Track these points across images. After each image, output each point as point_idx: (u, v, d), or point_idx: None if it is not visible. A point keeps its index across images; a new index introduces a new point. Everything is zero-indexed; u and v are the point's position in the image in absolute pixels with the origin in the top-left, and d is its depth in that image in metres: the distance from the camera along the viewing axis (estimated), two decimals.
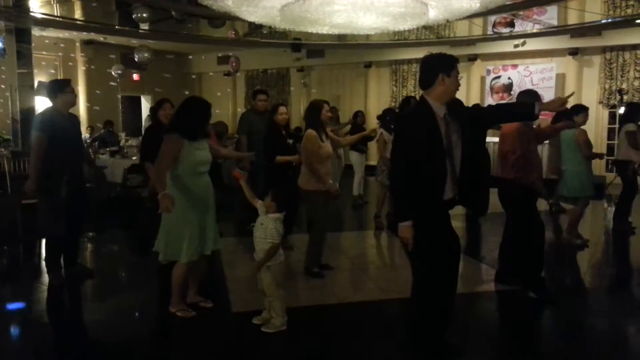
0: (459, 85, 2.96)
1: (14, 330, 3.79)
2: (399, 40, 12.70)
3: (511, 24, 11.49)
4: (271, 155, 5.18)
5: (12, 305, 4.24)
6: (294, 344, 3.41)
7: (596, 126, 10.85)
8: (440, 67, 2.87)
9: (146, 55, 11.44)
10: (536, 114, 2.97)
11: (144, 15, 10.23)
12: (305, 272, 4.69)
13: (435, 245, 2.89)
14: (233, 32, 12.35)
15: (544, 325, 3.97)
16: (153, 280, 4.65)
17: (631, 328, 3.82)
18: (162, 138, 3.62)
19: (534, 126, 4.63)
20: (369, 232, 6.79)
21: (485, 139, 3.34)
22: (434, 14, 8.07)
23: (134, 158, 8.14)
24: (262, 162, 5.66)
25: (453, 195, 2.94)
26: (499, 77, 12.24)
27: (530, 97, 4.07)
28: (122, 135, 11.36)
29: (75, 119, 4.69)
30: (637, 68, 10.77)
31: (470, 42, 12.13)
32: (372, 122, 8.92)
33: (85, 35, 12.48)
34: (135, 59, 11.62)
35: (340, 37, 11.95)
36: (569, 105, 7.55)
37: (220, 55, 14.74)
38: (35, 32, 10.38)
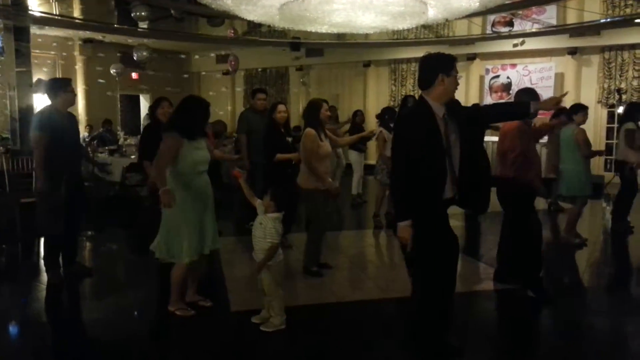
0: (458, 84, 2.97)
1: (12, 329, 3.79)
2: (398, 39, 12.70)
3: (510, 24, 11.49)
4: (271, 154, 5.18)
5: (11, 304, 4.24)
6: (292, 343, 3.41)
7: (595, 125, 10.87)
8: (439, 67, 2.87)
9: (145, 54, 11.42)
10: (532, 112, 3.00)
11: (143, 13, 10.22)
12: (304, 271, 4.69)
13: (435, 244, 2.89)
14: (232, 31, 12.33)
15: (542, 324, 3.98)
16: (152, 279, 4.65)
17: (630, 327, 3.83)
18: (160, 137, 3.62)
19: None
20: (368, 231, 6.79)
21: (483, 138, 3.35)
22: (433, 13, 8.08)
23: (132, 157, 8.13)
24: (261, 161, 5.67)
25: (453, 194, 2.94)
26: (497, 76, 12.24)
27: (528, 95, 4.07)
28: (121, 134, 11.36)
29: (73, 118, 4.69)
30: (636, 67, 10.78)
31: (469, 41, 12.14)
32: (372, 121, 8.92)
33: (84, 34, 12.45)
34: (134, 58, 11.60)
35: (339, 36, 11.95)
36: (567, 105, 7.62)
37: (219, 54, 14.73)
38: (34, 30, 10.35)
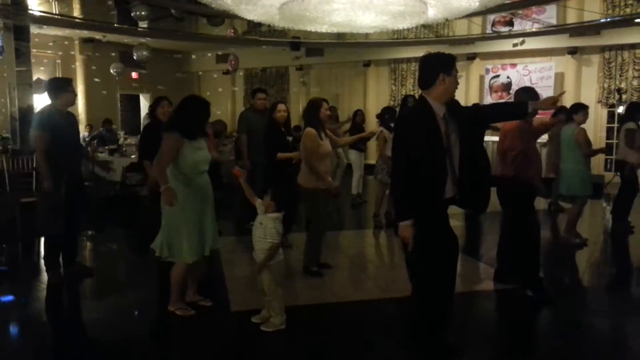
0: (458, 84, 2.97)
1: (12, 328, 3.79)
2: (398, 39, 12.69)
3: (510, 23, 11.49)
4: (271, 153, 5.18)
5: (11, 304, 4.24)
6: (292, 343, 3.41)
7: (595, 125, 10.86)
8: (440, 66, 2.87)
9: (145, 53, 11.42)
10: (530, 112, 3.01)
11: (143, 13, 10.21)
12: (304, 271, 4.69)
13: (435, 244, 2.89)
14: (232, 31, 12.33)
15: (542, 324, 3.98)
16: (152, 278, 4.65)
17: (630, 328, 3.83)
18: (160, 136, 3.62)
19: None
20: (368, 231, 6.79)
21: (483, 138, 3.36)
22: (433, 13, 8.08)
23: (132, 156, 8.13)
24: (261, 160, 5.67)
25: (453, 194, 2.94)
26: (497, 76, 12.24)
27: (528, 94, 4.09)
28: (121, 133, 11.35)
29: (73, 118, 4.70)
30: (636, 67, 10.78)
31: (469, 41, 12.13)
32: (372, 121, 8.92)
33: (84, 33, 12.44)
34: (134, 57, 11.60)
35: (339, 35, 11.95)
36: (567, 104, 7.61)
37: (219, 53, 14.72)
38: (34, 29, 10.35)
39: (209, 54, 15.17)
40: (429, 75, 2.89)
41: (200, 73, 16.37)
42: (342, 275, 4.80)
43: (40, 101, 9.57)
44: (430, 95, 2.89)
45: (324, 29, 8.83)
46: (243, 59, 13.22)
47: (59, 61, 12.74)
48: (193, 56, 15.96)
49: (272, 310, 3.50)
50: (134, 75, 14.31)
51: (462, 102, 11.92)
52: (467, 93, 12.28)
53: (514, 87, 11.60)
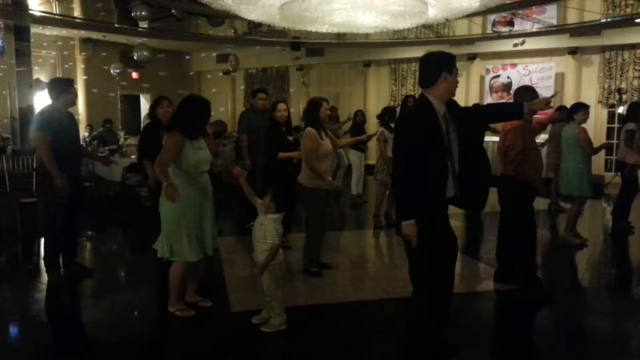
0: (458, 82, 2.98)
1: (12, 329, 3.79)
2: (399, 39, 12.69)
3: (510, 23, 11.49)
4: (272, 153, 5.18)
5: (11, 304, 4.24)
6: (293, 343, 3.41)
7: (595, 125, 10.86)
8: (443, 64, 2.87)
9: (145, 53, 11.41)
10: (525, 112, 3.03)
11: (143, 13, 10.21)
12: (304, 271, 4.69)
13: (437, 243, 2.89)
14: (232, 31, 12.33)
15: (542, 324, 3.98)
16: (152, 279, 4.64)
17: (630, 328, 3.82)
18: (160, 136, 3.63)
19: None
20: (368, 232, 6.79)
21: (483, 138, 3.35)
22: (433, 13, 8.07)
23: (132, 157, 8.12)
24: (262, 160, 5.67)
25: (454, 194, 2.94)
26: (498, 76, 12.24)
27: (527, 93, 4.10)
28: (121, 133, 11.35)
29: (73, 118, 4.70)
30: (636, 67, 10.77)
31: (470, 41, 12.13)
32: (372, 121, 8.92)
33: (84, 33, 12.45)
34: (134, 57, 11.60)
35: (340, 35, 11.94)
36: (568, 104, 7.60)
37: (219, 53, 14.72)
38: (34, 29, 10.35)
39: (210, 54, 15.17)
40: (431, 74, 2.89)
41: (201, 73, 16.37)
42: (342, 276, 4.80)
43: (41, 101, 9.58)
44: (431, 94, 2.89)
45: (324, 29, 8.83)
46: (243, 59, 13.22)
47: (59, 61, 12.74)
48: (193, 56, 15.96)
49: (272, 310, 3.49)
50: (134, 75, 14.31)
51: (463, 103, 11.93)
52: (468, 93, 12.28)
53: (514, 88, 11.60)
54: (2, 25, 9.33)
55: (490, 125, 6.25)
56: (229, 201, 7.05)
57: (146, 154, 4.83)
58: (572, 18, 11.03)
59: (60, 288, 4.48)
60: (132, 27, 11.51)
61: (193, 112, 3.68)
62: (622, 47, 10.82)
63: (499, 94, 12.19)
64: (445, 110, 2.90)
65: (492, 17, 11.69)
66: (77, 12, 11.82)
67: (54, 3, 10.96)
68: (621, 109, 10.92)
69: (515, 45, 11.51)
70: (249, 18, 8.82)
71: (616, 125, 11.09)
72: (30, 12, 9.61)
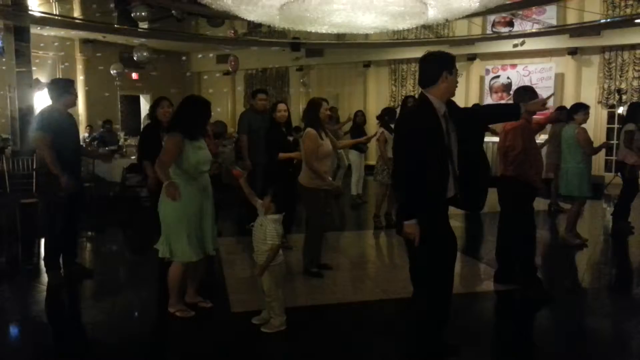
0: (457, 82, 2.98)
1: (12, 329, 3.78)
2: (398, 39, 12.69)
3: (510, 24, 11.48)
4: (272, 153, 5.19)
5: (11, 305, 4.24)
6: (293, 344, 3.41)
7: (595, 126, 10.86)
8: (443, 64, 2.88)
9: (145, 54, 11.42)
10: (522, 113, 3.07)
11: (143, 14, 10.21)
12: (304, 272, 4.69)
13: (439, 243, 2.90)
14: (232, 31, 12.33)
15: (542, 325, 3.98)
16: (152, 279, 4.64)
17: (631, 328, 3.82)
18: (160, 136, 3.63)
19: None
20: (368, 232, 6.79)
21: (483, 138, 3.36)
22: (433, 13, 8.07)
23: (132, 157, 8.12)
24: (262, 161, 5.68)
25: (454, 194, 2.94)
26: (498, 76, 12.24)
27: (526, 93, 4.11)
28: (121, 134, 11.35)
29: (72, 119, 4.70)
30: (636, 68, 10.77)
31: (470, 41, 12.13)
32: (372, 122, 8.92)
33: (84, 34, 12.45)
34: (134, 58, 11.60)
35: (340, 36, 11.94)
36: (568, 104, 7.59)
37: (219, 54, 14.72)
38: (34, 30, 10.35)
39: (209, 55, 15.17)
40: (431, 73, 2.89)
41: (201, 73, 16.37)
42: (343, 276, 4.80)
43: (41, 102, 9.58)
44: (432, 93, 2.89)
45: (324, 29, 8.83)
46: (243, 60, 13.22)
47: (59, 62, 12.74)
48: (193, 57, 15.97)
49: (272, 311, 3.49)
50: (134, 76, 14.32)
51: (462, 103, 11.91)
52: (467, 94, 12.28)
53: (514, 88, 11.60)
54: (2, 26, 9.33)
55: (490, 126, 6.27)
56: (229, 201, 7.04)
57: (146, 155, 4.83)
58: (571, 18, 11.04)
59: (60, 288, 4.48)
60: (132, 28, 11.50)
61: (193, 112, 3.68)
62: (622, 48, 10.82)
63: (499, 94, 12.19)
64: (446, 109, 2.91)
65: (491, 18, 11.69)
66: (76, 13, 11.82)
67: (53, 4, 10.95)
68: (621, 110, 10.92)
69: (515, 45, 11.51)
70: (248, 19, 8.81)
71: (616, 125, 11.09)
72: (30, 12, 9.60)
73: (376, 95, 13.78)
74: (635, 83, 10.77)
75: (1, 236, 6.03)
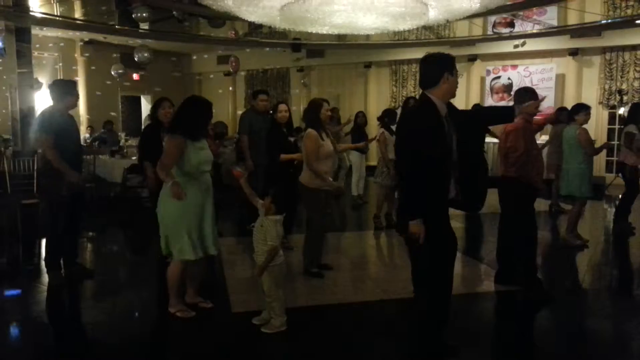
0: (457, 83, 2.99)
1: (13, 330, 3.79)
2: (399, 40, 12.70)
3: (511, 25, 11.49)
4: (273, 154, 5.19)
5: (11, 305, 4.24)
6: (293, 344, 3.41)
7: (596, 126, 10.86)
8: (444, 65, 2.88)
9: (146, 55, 11.42)
10: (515, 116, 3.16)
11: (144, 15, 10.22)
12: (304, 272, 4.69)
13: (441, 243, 2.90)
14: (233, 32, 12.35)
15: (542, 325, 3.97)
16: (153, 280, 4.65)
17: (631, 329, 3.81)
18: (160, 137, 3.62)
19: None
20: (369, 232, 6.79)
21: (483, 140, 3.38)
22: (433, 14, 8.08)
23: (133, 158, 8.13)
24: (262, 162, 5.68)
25: (455, 194, 2.94)
26: (498, 77, 12.24)
27: (527, 94, 4.12)
28: (122, 135, 11.36)
29: (73, 120, 4.70)
30: (637, 69, 10.77)
31: (470, 42, 12.13)
32: (373, 123, 8.93)
33: (85, 35, 12.47)
34: (135, 59, 11.62)
35: (340, 37, 11.95)
36: (569, 105, 7.58)
37: (220, 55, 14.74)
38: (35, 31, 10.37)
39: (210, 56, 15.19)
40: (432, 75, 2.90)
41: (201, 74, 16.39)
42: (343, 277, 4.80)
43: (41, 102, 9.59)
44: (433, 94, 2.89)
45: (324, 30, 8.83)
46: (244, 61, 13.23)
47: (60, 63, 12.76)
48: (194, 57, 15.99)
49: (272, 311, 3.49)
50: (135, 76, 14.34)
51: (463, 104, 11.95)
52: (468, 94, 12.28)
53: (515, 89, 11.60)
54: (3, 27, 9.34)
55: (490, 127, 6.28)
56: (230, 202, 7.05)
57: (147, 155, 4.84)
58: (572, 19, 11.04)
59: (61, 289, 4.48)
60: (132, 29, 11.53)
61: (194, 113, 3.68)
62: (623, 49, 10.82)
63: (500, 95, 12.19)
64: (447, 111, 2.91)
65: (492, 19, 11.70)
66: (77, 14, 11.85)
67: (54, 5, 10.98)
68: (622, 110, 10.91)
69: (516, 46, 11.52)
70: (249, 19, 8.82)
71: (617, 126, 11.09)
72: (31, 13, 9.63)
73: (377, 96, 13.78)
74: (636, 84, 10.77)
75: (2, 237, 6.03)
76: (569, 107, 6.39)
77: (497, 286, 4.44)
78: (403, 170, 2.91)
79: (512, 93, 11.58)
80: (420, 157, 2.76)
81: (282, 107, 5.41)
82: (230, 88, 15.73)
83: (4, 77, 9.76)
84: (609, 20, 10.39)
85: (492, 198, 4.03)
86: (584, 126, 5.70)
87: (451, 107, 2.98)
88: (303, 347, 3.37)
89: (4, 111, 10.07)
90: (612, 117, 11.31)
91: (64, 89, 4.51)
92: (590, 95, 10.94)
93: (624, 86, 10.85)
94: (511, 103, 4.33)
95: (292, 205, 5.16)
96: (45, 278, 4.59)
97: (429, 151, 2.75)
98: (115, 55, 13.40)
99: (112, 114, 13.38)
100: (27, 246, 5.89)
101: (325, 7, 7.38)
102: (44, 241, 5.55)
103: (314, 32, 9.15)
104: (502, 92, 12.16)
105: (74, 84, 4.73)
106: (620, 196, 6.70)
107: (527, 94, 4.12)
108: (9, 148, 8.81)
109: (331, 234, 5.77)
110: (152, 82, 14.52)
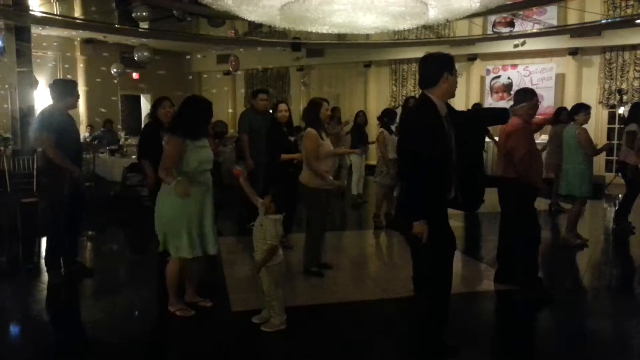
0: (457, 83, 2.99)
1: (13, 329, 3.79)
2: (399, 39, 12.69)
3: (511, 24, 11.49)
4: (273, 153, 5.19)
5: (12, 304, 4.24)
6: (293, 343, 3.41)
7: (596, 126, 10.86)
8: (444, 65, 2.88)
9: (146, 54, 11.42)
10: (509, 117, 3.34)
11: (144, 14, 10.22)
12: (304, 271, 4.69)
13: (442, 243, 2.90)
14: (233, 31, 12.34)
15: (542, 325, 3.98)
16: (152, 279, 4.64)
17: (631, 328, 3.82)
18: (160, 136, 3.62)
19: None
20: (368, 232, 6.79)
21: (483, 140, 3.42)
22: (433, 14, 8.08)
23: (133, 157, 8.13)
24: (262, 161, 5.68)
25: (455, 194, 2.95)
26: (498, 77, 12.24)
27: (527, 95, 4.12)
28: (122, 134, 11.36)
29: (72, 120, 4.69)
30: (637, 68, 10.78)
31: (470, 41, 12.13)
32: (373, 122, 8.94)
33: (85, 34, 12.46)
34: (135, 58, 11.61)
35: (340, 36, 11.95)
36: (568, 105, 7.58)
37: (220, 54, 14.73)
38: (35, 30, 10.36)
39: (210, 55, 15.19)
40: (432, 74, 2.90)
41: (201, 74, 16.39)
42: (343, 276, 4.80)
43: (40, 101, 9.59)
44: (433, 94, 2.89)
45: (324, 29, 8.83)
46: (244, 60, 13.23)
47: (59, 61, 12.75)
48: (194, 57, 15.98)
49: (272, 310, 3.50)
50: (135, 75, 14.33)
51: (463, 103, 11.94)
52: (468, 94, 12.28)
53: (515, 88, 11.60)
54: (3, 26, 9.34)
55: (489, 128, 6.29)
56: (230, 201, 7.05)
57: (145, 154, 4.84)
58: (572, 19, 11.04)
59: (61, 288, 4.47)
60: (132, 28, 11.52)
61: (195, 112, 3.67)
62: (623, 48, 10.82)
63: (500, 94, 12.19)
64: (447, 111, 2.91)
65: (492, 18, 11.69)
66: (77, 13, 11.84)
67: (54, 4, 10.97)
68: (622, 110, 10.92)
69: (516, 46, 11.52)
70: (249, 19, 8.82)
71: (617, 125, 11.10)
72: (31, 12, 9.62)
73: (377, 96, 13.78)
74: (636, 83, 10.77)
75: (2, 235, 6.03)
76: (569, 107, 6.39)
77: (496, 285, 4.44)
78: (404, 170, 2.91)
79: (512, 92, 11.64)
80: (421, 157, 2.76)
81: (282, 106, 5.41)
82: (227, 88, 15.72)
83: (4, 76, 9.76)
84: (609, 20, 10.39)
85: (492, 197, 4.03)
86: (584, 126, 5.70)
87: (450, 108, 2.99)
88: (303, 346, 3.37)
89: (5, 106, 10.05)
90: (612, 117, 11.32)
91: (64, 89, 4.51)
92: (590, 94, 10.95)
93: (624, 86, 10.85)
94: (511, 102, 4.34)
95: (292, 205, 5.16)
96: (45, 277, 4.59)
97: (429, 151, 2.75)
98: (115, 54, 13.39)
99: (111, 113, 13.35)
100: (27, 245, 5.88)
101: (325, 6, 7.38)
102: (43, 240, 5.55)
103: (313, 31, 9.15)
104: (502, 91, 12.16)
105: (74, 84, 4.73)
106: (620, 196, 6.68)
107: (526, 95, 4.13)
108: (8, 147, 8.80)
109: (331, 233, 5.78)
110: (152, 81, 14.52)
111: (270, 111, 6.16)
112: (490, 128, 6.93)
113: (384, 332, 3.56)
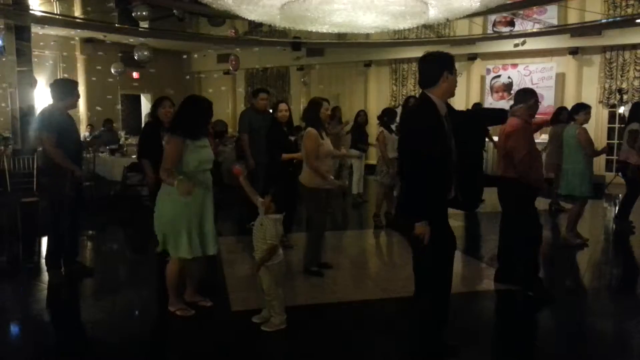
0: (456, 82, 2.99)
1: (13, 328, 3.79)
2: (399, 39, 12.69)
3: (511, 23, 11.48)
4: (274, 153, 5.18)
5: (12, 304, 4.24)
6: (293, 343, 3.41)
7: (596, 126, 10.85)
8: (444, 64, 2.88)
9: (146, 53, 11.42)
10: (507, 118, 3.41)
11: (144, 13, 10.22)
12: (304, 270, 4.69)
13: (443, 243, 2.90)
14: (233, 31, 12.34)
15: (543, 325, 3.98)
16: (152, 278, 4.65)
17: (631, 328, 3.82)
18: (160, 136, 3.62)
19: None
20: (368, 231, 6.79)
21: (484, 140, 3.42)
22: (434, 13, 8.07)
23: (133, 156, 8.13)
24: (262, 160, 5.68)
25: (455, 194, 2.95)
26: (498, 76, 12.23)
27: (527, 95, 4.12)
28: (122, 133, 11.36)
29: (72, 119, 4.69)
30: (637, 68, 10.77)
31: (470, 41, 12.12)
32: (373, 122, 8.93)
33: (85, 33, 12.45)
34: (135, 57, 11.61)
35: (340, 36, 11.95)
36: (569, 105, 7.58)
37: (220, 53, 14.73)
38: (35, 29, 10.35)
39: (210, 54, 15.18)
40: (432, 74, 2.89)
41: (201, 73, 16.38)
42: (343, 275, 4.80)
43: (39, 100, 9.59)
44: (433, 94, 2.89)
45: (324, 29, 8.83)
46: (244, 59, 13.22)
47: (59, 61, 12.75)
48: (194, 56, 15.97)
49: (272, 310, 3.50)
50: (135, 75, 14.33)
51: (463, 103, 11.93)
52: (468, 93, 12.27)
53: (515, 88, 11.60)
54: (3, 25, 9.33)
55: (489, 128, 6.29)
56: (230, 201, 7.05)
57: (145, 153, 4.84)
58: (572, 18, 11.03)
59: (61, 287, 4.48)
60: (132, 27, 11.52)
61: (195, 112, 3.67)
62: (623, 48, 10.82)
63: (500, 94, 12.18)
64: (447, 110, 2.91)
65: (492, 17, 11.69)
66: (77, 12, 11.83)
67: (54, 3, 10.96)
68: (622, 109, 10.91)
69: (516, 45, 11.51)
70: (249, 18, 8.82)
71: (617, 125, 11.10)
72: (31, 12, 9.61)
73: (377, 95, 13.78)
74: (636, 83, 10.76)
75: (2, 235, 6.03)
76: (569, 107, 6.38)
77: (497, 285, 4.44)
78: (406, 170, 2.91)
79: (512, 92, 11.63)
80: (421, 156, 2.76)
81: (283, 106, 5.41)
82: (227, 87, 15.70)
83: (4, 75, 9.76)
84: (609, 19, 10.38)
85: (492, 197, 4.03)
86: (584, 126, 5.70)
87: (450, 107, 2.99)
88: (303, 346, 3.37)
89: (3, 104, 10.04)
90: (612, 116, 11.31)
91: (65, 88, 4.51)
92: (591, 94, 10.94)
93: (624, 85, 10.84)
94: (511, 102, 4.34)
95: (292, 204, 5.16)
96: (45, 276, 4.59)
97: (429, 150, 2.75)
98: (115, 53, 13.38)
99: (112, 112, 13.35)
100: (27, 244, 5.88)
101: (325, 5, 7.37)
102: (44, 239, 5.55)
103: (314, 30, 9.14)
104: (502, 91, 12.16)
105: (75, 84, 4.73)
106: (620, 196, 6.68)
107: (525, 95, 4.14)
108: (8, 146, 8.80)
109: (331, 233, 5.78)
110: (152, 80, 14.51)
111: (271, 111, 6.17)
112: (489, 128, 6.93)
113: (384, 332, 3.56)
